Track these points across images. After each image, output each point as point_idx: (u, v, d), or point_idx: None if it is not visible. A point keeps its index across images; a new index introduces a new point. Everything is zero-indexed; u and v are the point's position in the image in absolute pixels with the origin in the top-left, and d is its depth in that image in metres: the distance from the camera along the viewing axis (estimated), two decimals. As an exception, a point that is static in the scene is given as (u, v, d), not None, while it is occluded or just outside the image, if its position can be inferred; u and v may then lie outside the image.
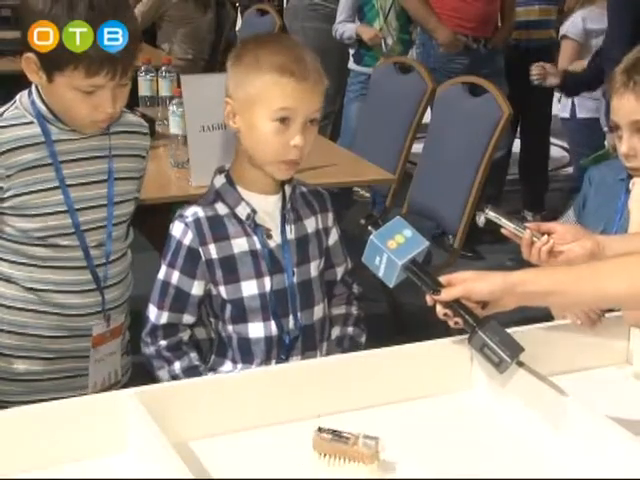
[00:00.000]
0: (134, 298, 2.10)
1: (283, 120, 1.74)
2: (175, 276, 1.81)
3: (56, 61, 1.72)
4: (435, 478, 1.36)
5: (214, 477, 1.35)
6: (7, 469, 1.31)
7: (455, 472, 1.38)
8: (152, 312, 1.83)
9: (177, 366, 1.81)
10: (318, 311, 1.89)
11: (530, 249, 1.71)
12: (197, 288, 1.81)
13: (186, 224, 1.80)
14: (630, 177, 1.97)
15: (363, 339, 1.96)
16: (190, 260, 1.80)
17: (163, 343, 1.81)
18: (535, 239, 1.71)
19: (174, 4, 5.26)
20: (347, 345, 1.93)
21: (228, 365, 1.85)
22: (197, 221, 1.80)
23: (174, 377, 1.80)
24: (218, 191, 1.83)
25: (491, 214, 1.75)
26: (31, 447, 1.32)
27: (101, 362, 1.97)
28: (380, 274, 1.57)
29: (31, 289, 1.88)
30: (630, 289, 1.46)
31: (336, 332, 1.95)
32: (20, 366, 1.91)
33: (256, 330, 1.82)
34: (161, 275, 1.83)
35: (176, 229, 1.81)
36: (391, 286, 1.57)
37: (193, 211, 1.81)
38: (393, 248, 1.54)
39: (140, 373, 1.73)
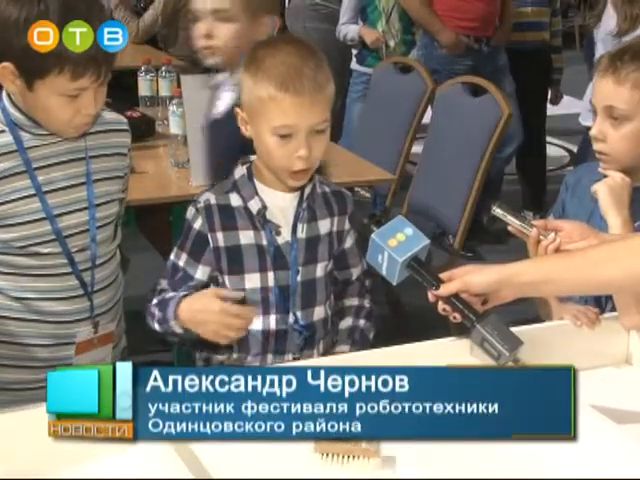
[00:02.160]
0: (132, 299, 2.09)
1: (284, 136, 1.73)
2: (183, 258, 1.85)
3: (38, 68, 1.67)
4: (435, 478, 1.37)
5: (214, 477, 1.35)
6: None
7: (455, 472, 1.38)
8: (162, 285, 1.86)
9: (156, 310, 1.82)
10: (319, 311, 1.89)
11: (537, 247, 1.71)
12: (201, 273, 1.85)
13: (197, 209, 1.84)
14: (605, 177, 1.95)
15: (372, 335, 1.96)
16: (198, 244, 1.83)
17: (155, 301, 1.84)
18: (542, 237, 1.70)
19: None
20: (358, 337, 1.93)
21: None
22: (208, 207, 1.83)
23: (159, 321, 1.81)
24: (236, 182, 1.85)
25: (498, 211, 1.75)
26: (31, 448, 1.33)
27: None
28: (383, 272, 1.59)
29: (17, 298, 1.84)
30: (625, 274, 1.47)
31: (348, 323, 1.95)
32: (9, 375, 1.87)
33: (255, 322, 1.83)
34: (172, 255, 1.87)
35: (189, 212, 1.86)
36: (394, 283, 1.59)
37: (206, 197, 1.85)
38: (394, 246, 1.56)
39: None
